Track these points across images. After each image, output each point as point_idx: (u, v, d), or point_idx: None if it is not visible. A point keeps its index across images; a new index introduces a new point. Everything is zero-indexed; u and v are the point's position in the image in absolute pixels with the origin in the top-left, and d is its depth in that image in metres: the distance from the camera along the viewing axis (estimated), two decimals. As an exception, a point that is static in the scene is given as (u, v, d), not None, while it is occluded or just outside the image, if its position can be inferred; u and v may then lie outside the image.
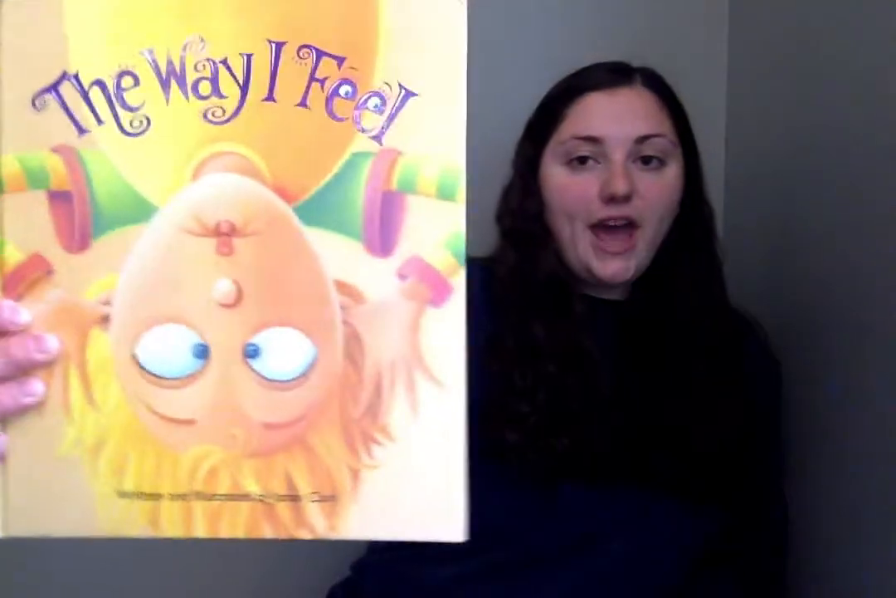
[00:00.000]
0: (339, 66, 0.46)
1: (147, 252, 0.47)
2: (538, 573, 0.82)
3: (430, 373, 0.46)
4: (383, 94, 0.46)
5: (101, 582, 1.25)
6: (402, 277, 0.46)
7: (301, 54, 0.46)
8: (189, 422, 0.47)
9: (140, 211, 0.46)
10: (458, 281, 0.46)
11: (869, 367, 0.80)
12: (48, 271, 0.47)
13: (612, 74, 0.86)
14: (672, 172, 0.84)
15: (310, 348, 0.46)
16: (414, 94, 0.46)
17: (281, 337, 0.46)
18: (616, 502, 0.82)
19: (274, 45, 0.46)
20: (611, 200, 0.81)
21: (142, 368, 0.47)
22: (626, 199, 0.80)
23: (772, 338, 0.96)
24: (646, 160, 0.83)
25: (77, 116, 0.47)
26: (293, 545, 0.47)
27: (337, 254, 0.46)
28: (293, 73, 0.46)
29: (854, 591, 0.83)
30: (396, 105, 0.46)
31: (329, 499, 0.46)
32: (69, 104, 0.47)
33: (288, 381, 0.46)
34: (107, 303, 0.47)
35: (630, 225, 0.82)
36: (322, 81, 0.46)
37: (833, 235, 0.87)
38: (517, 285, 0.86)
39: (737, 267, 1.15)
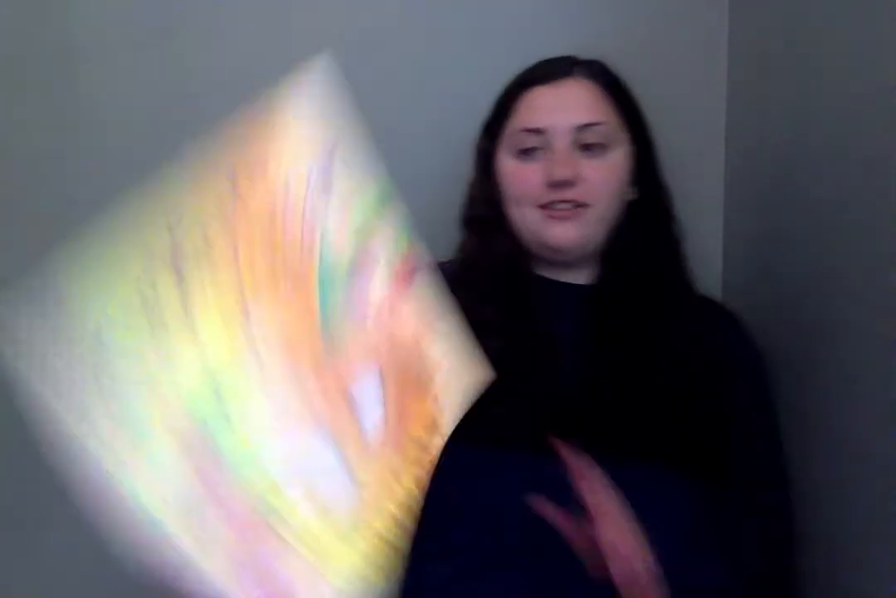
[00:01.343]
0: None
1: None
2: (527, 560, 0.82)
3: None
4: None
5: (102, 581, 1.24)
6: None
7: None
8: None
9: None
10: None
11: (868, 366, 0.80)
12: None
13: (555, 67, 0.92)
14: (616, 156, 0.90)
15: None
16: None
17: None
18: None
19: None
20: (555, 185, 0.87)
21: None
22: (569, 184, 0.87)
23: (771, 336, 0.97)
24: (588, 147, 0.88)
25: None
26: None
27: None
28: None
29: (854, 590, 0.83)
30: None
31: None
32: None
33: None
34: None
35: (578, 206, 0.87)
36: None
37: (833, 234, 0.87)
38: (473, 268, 0.92)
39: (737, 266, 1.16)
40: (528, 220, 0.90)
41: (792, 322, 0.97)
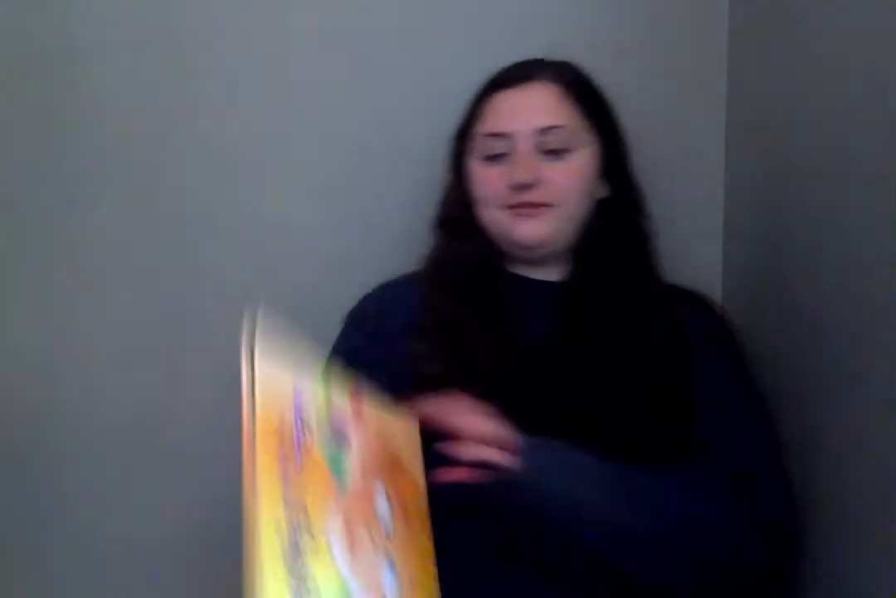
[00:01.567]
0: None
1: None
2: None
3: None
4: None
5: (102, 582, 1.25)
6: None
7: None
8: None
9: None
10: None
11: (868, 366, 0.79)
12: None
13: (520, 71, 0.95)
14: (580, 158, 0.92)
15: None
16: None
17: None
18: None
19: None
20: (517, 188, 0.90)
21: None
22: (531, 186, 0.90)
23: (771, 337, 0.98)
24: (550, 150, 0.91)
25: None
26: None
27: None
28: None
29: (854, 590, 0.82)
30: None
31: None
32: None
33: None
34: None
35: (543, 206, 0.91)
36: None
37: (833, 234, 0.87)
38: (446, 268, 0.96)
39: (737, 267, 1.16)
40: (496, 220, 0.93)
41: (792, 323, 0.97)
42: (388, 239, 1.18)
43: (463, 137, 0.98)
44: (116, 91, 1.21)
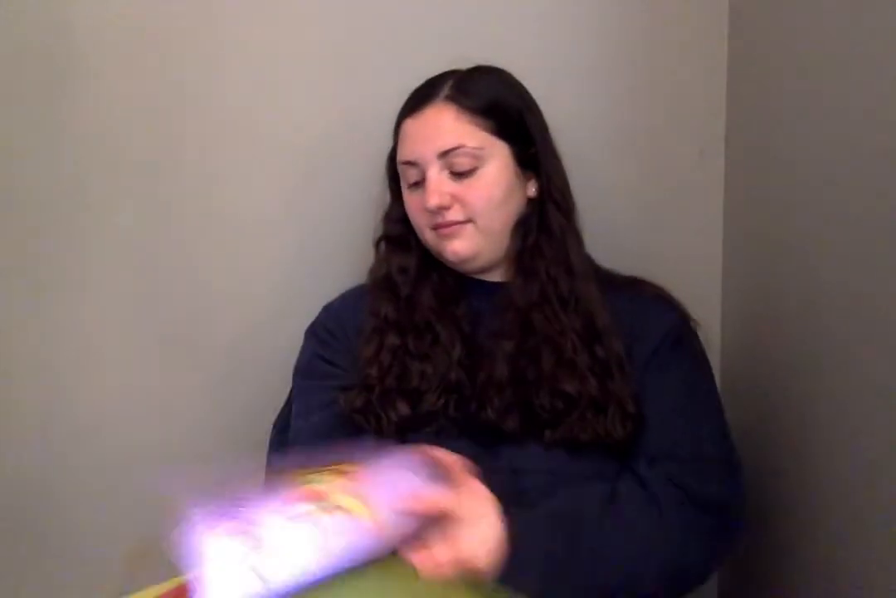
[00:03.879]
0: None
1: None
2: None
3: None
4: None
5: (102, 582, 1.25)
6: None
7: None
8: None
9: None
10: None
11: (870, 368, 0.80)
12: None
13: (419, 95, 0.97)
14: (489, 171, 0.94)
15: None
16: None
17: None
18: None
19: None
20: (432, 212, 0.93)
21: None
22: (444, 208, 0.93)
23: (771, 337, 0.99)
24: (457, 171, 0.93)
25: None
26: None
27: None
28: None
29: (854, 590, 0.83)
30: None
31: None
32: None
33: None
34: None
35: (462, 223, 0.93)
36: None
37: (834, 234, 0.87)
38: (385, 277, 1.00)
39: (737, 267, 1.16)
40: (427, 240, 0.97)
41: (792, 322, 0.97)
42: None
43: (393, 160, 1.00)
44: (115, 95, 1.21)
